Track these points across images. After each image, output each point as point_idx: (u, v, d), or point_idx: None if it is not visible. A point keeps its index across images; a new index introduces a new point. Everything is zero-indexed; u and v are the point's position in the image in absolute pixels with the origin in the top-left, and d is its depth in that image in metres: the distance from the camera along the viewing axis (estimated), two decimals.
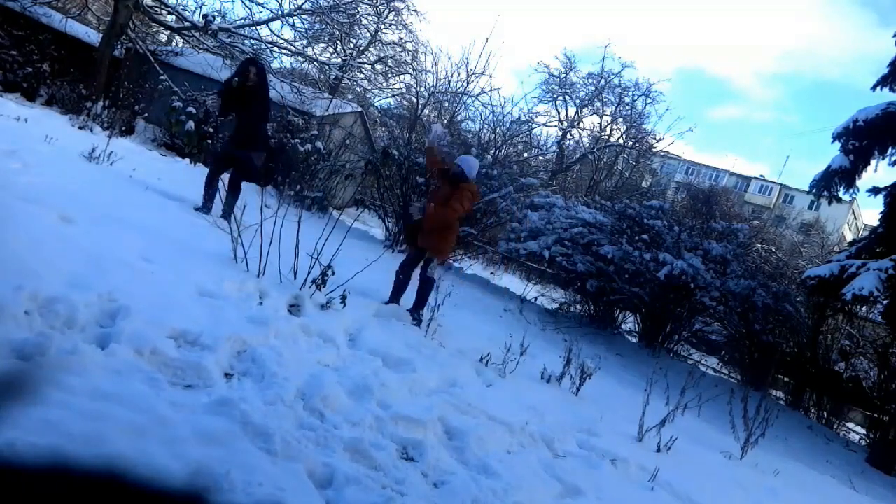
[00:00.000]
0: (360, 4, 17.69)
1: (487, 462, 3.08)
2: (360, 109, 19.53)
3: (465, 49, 35.95)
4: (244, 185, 6.72)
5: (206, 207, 6.48)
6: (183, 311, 3.24)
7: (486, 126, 16.37)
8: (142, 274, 3.50)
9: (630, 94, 26.38)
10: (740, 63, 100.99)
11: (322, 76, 22.53)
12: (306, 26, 17.32)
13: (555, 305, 11.34)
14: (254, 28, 16.46)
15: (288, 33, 24.88)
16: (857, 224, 45.39)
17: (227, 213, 6.05)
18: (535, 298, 11.75)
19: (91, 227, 3.93)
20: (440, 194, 5.84)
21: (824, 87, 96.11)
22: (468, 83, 18.10)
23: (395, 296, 5.81)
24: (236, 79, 6.50)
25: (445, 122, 15.25)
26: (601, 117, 27.63)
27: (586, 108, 27.71)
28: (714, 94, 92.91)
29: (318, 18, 16.76)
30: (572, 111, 27.95)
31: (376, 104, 24.86)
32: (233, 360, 3.11)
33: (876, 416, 10.62)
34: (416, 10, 20.10)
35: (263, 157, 7.11)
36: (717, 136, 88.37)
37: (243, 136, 6.59)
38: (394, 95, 22.68)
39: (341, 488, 2.36)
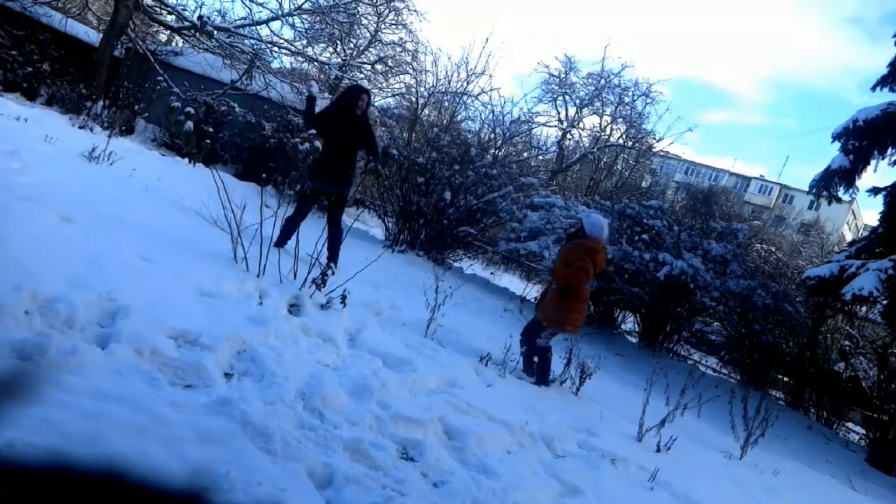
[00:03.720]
0: (360, 4, 17.69)
1: (487, 462, 3.08)
2: None
3: (464, 49, 35.90)
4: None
5: (282, 243, 5.51)
6: (183, 310, 3.25)
7: (485, 126, 16.38)
8: (142, 274, 3.50)
9: (630, 94, 26.39)
10: (735, 70, 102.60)
11: (322, 76, 22.52)
12: (306, 26, 17.32)
13: None
14: (254, 28, 16.47)
15: (288, 33, 24.85)
16: (856, 224, 45.41)
17: (335, 259, 5.68)
18: (535, 298, 11.74)
19: (91, 227, 3.93)
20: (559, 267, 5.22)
21: (815, 95, 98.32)
22: (468, 83, 18.12)
23: (527, 364, 5.33)
24: (358, 111, 5.90)
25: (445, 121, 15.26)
26: (601, 117, 27.62)
27: (586, 108, 27.69)
28: (709, 100, 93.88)
29: (318, 18, 16.76)
30: (572, 111, 27.93)
31: (376, 104, 24.84)
32: (233, 359, 3.11)
33: (875, 416, 10.61)
34: (415, 10, 20.11)
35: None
36: (713, 141, 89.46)
37: (344, 169, 5.93)
38: (394, 95, 22.67)
39: (341, 488, 2.36)
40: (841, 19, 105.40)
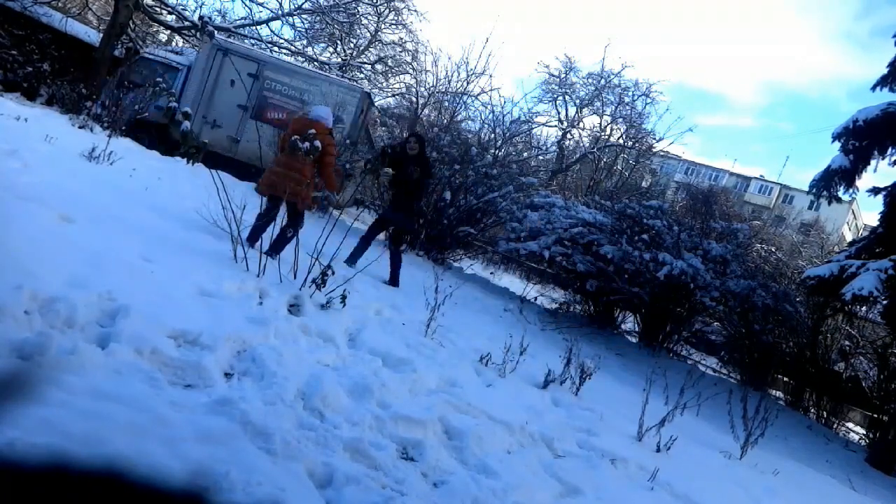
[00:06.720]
0: (360, 4, 17.70)
1: (487, 462, 3.08)
2: None
3: (465, 49, 35.77)
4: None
5: (353, 261, 6.79)
6: (183, 310, 3.25)
7: (485, 126, 16.36)
8: (141, 273, 3.51)
9: (630, 94, 26.39)
10: (729, 75, 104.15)
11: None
12: (306, 26, 17.34)
13: (555, 305, 11.34)
14: (254, 28, 16.49)
15: (288, 33, 24.85)
16: (856, 224, 45.38)
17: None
18: (535, 298, 11.75)
19: (91, 226, 3.93)
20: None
21: (807, 101, 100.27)
22: (468, 83, 18.10)
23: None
24: (398, 148, 7.25)
25: (445, 121, 15.29)
26: (601, 117, 27.61)
27: (586, 108, 27.68)
28: (704, 104, 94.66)
29: (318, 18, 16.78)
30: (572, 111, 27.94)
31: (376, 104, 24.82)
32: (233, 359, 3.11)
33: (875, 416, 10.61)
34: (416, 10, 20.11)
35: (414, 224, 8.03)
36: (710, 144, 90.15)
37: (401, 199, 7.15)
38: (394, 95, 22.68)
39: (341, 488, 2.36)
40: (834, 34, 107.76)
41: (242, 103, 12.48)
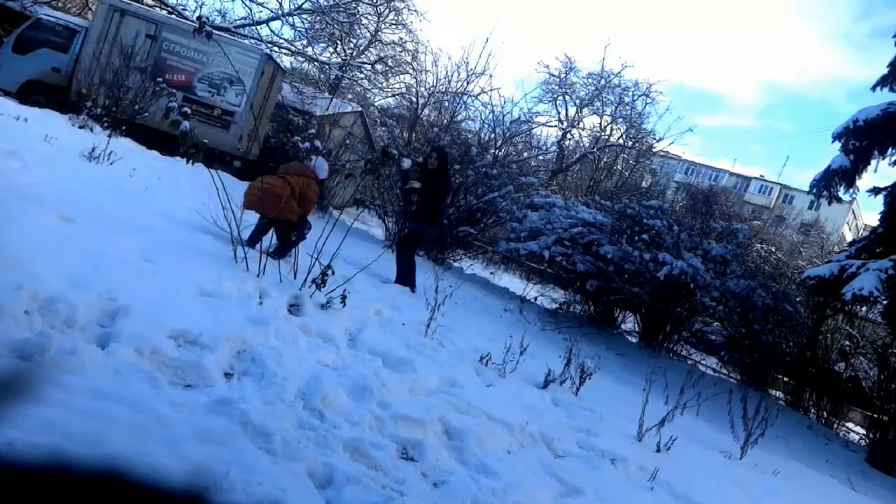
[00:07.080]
0: (360, 4, 17.71)
1: (487, 462, 3.08)
2: (360, 109, 19.52)
3: (464, 49, 35.80)
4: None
5: (413, 287, 7.04)
6: (183, 310, 3.25)
7: (485, 126, 16.35)
8: (142, 273, 3.51)
9: (630, 94, 26.40)
10: (728, 76, 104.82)
11: (322, 76, 22.52)
12: (306, 26, 17.35)
13: (555, 305, 11.34)
14: (254, 28, 16.50)
15: (288, 33, 24.86)
16: (857, 224, 45.36)
17: (412, 286, 6.98)
18: (535, 298, 11.75)
19: (91, 226, 3.93)
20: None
21: (806, 102, 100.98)
22: (468, 83, 18.09)
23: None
24: (417, 168, 7.34)
25: (445, 121, 15.29)
26: (601, 117, 27.64)
27: (586, 108, 27.71)
28: (704, 105, 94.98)
29: (318, 18, 16.79)
30: (572, 111, 27.96)
31: (376, 104, 24.84)
32: (233, 359, 3.11)
33: (876, 416, 10.61)
34: (416, 10, 20.13)
35: (437, 231, 8.25)
36: (710, 144, 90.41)
37: (422, 211, 7.20)
38: (394, 95, 22.69)
39: (341, 488, 2.36)
40: (833, 35, 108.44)
41: (140, 65, 11.99)
